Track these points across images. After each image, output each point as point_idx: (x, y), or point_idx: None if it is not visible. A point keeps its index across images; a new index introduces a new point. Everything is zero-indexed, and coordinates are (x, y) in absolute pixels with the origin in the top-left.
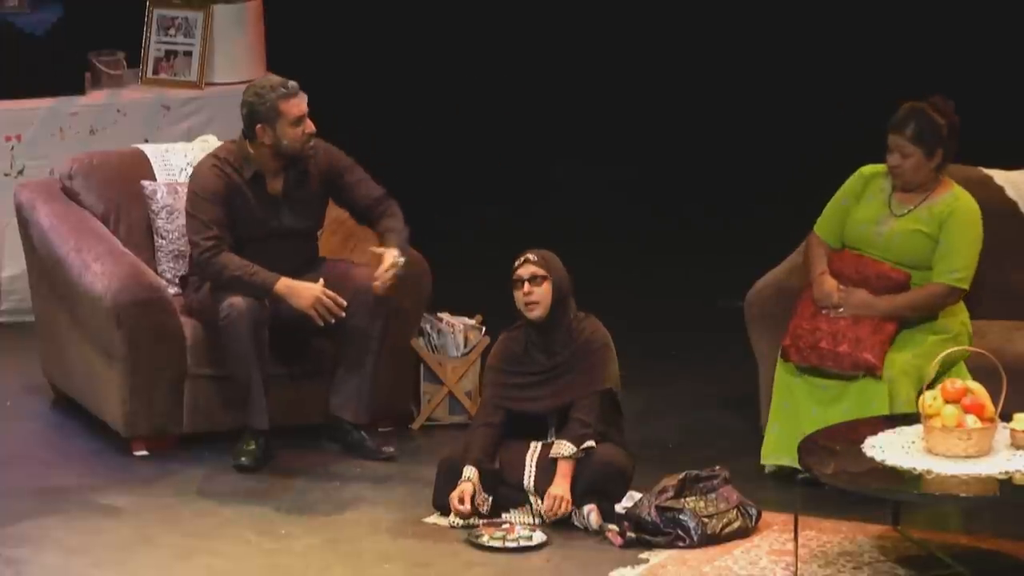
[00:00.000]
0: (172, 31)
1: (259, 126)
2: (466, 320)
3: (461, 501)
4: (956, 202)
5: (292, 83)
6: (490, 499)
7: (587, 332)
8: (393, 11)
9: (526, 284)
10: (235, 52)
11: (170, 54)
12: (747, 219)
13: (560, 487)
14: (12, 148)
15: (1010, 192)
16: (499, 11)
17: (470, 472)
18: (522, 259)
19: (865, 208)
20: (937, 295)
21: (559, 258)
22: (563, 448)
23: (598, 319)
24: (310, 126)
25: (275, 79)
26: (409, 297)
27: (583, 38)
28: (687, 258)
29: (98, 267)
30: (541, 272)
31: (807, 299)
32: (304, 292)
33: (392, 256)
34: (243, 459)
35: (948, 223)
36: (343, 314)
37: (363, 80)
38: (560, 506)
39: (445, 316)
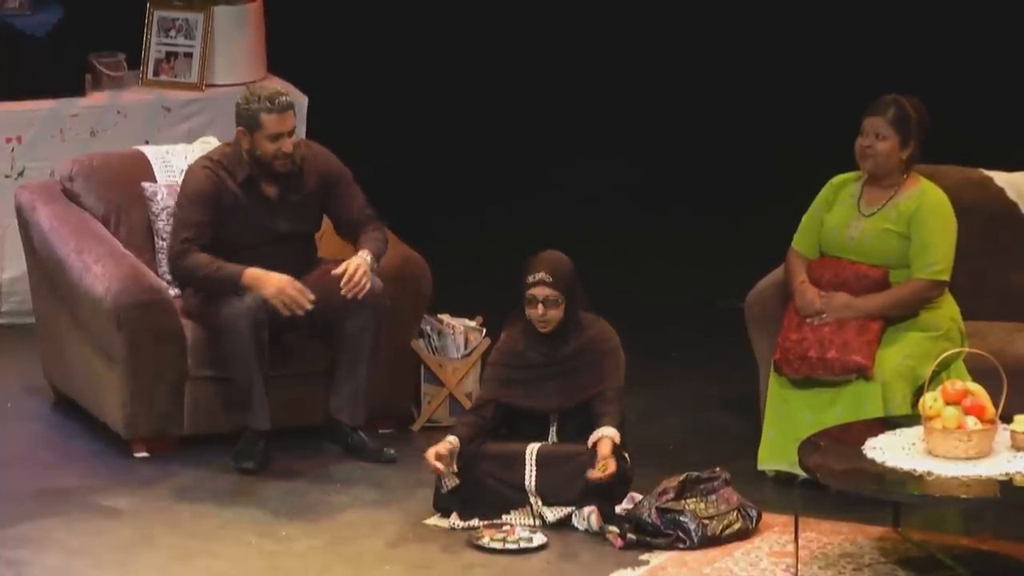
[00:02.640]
0: (173, 33)
1: (239, 129)
2: (466, 321)
3: (439, 457)
4: (923, 196)
5: (284, 99)
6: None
7: (595, 331)
8: (393, 12)
9: (540, 306)
10: (236, 54)
11: (171, 56)
12: (747, 220)
13: (606, 455)
14: (12, 150)
15: (1010, 194)
16: (499, 12)
17: (452, 438)
18: (536, 277)
19: (836, 213)
20: (919, 290)
21: (565, 256)
22: (609, 432)
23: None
24: (288, 145)
25: (270, 90)
26: (409, 298)
27: (583, 39)
28: (687, 259)
29: (99, 269)
30: (555, 295)
31: (791, 311)
32: (270, 281)
33: (358, 258)
34: (245, 461)
35: (916, 218)
36: (309, 306)
37: (363, 81)
38: (609, 465)
39: (445, 317)
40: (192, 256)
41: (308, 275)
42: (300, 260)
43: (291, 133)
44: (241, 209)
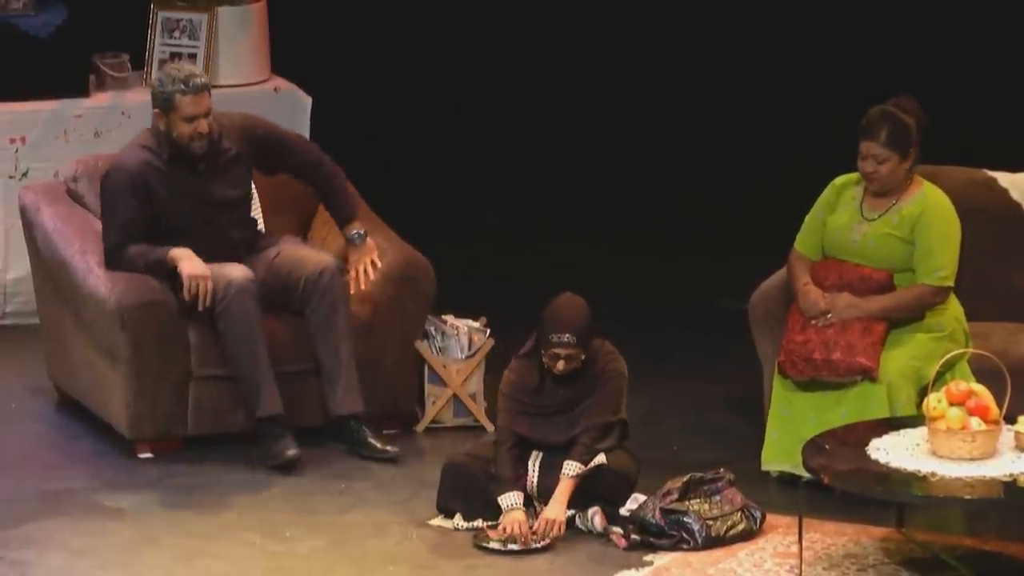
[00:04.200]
0: (176, 33)
1: (156, 111)
2: (470, 322)
3: (520, 532)
4: (926, 201)
5: (198, 80)
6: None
7: (603, 361)
8: (394, 13)
9: (561, 361)
10: (239, 54)
11: (174, 56)
12: (748, 220)
13: (555, 509)
14: (16, 150)
15: (1014, 194)
16: (498, 12)
17: (518, 499)
18: (561, 339)
19: (839, 216)
20: (924, 295)
21: (582, 303)
22: (571, 468)
23: (613, 345)
24: (203, 126)
25: (185, 71)
26: (412, 299)
27: (582, 39)
28: (687, 259)
29: (102, 270)
30: (577, 352)
31: (795, 313)
32: (192, 263)
33: (363, 251)
34: (282, 451)
35: (920, 224)
36: (207, 304)
37: (364, 81)
38: (552, 529)
39: (449, 318)
40: (123, 257)
41: (267, 251)
42: (240, 226)
43: (207, 114)
44: (174, 186)
